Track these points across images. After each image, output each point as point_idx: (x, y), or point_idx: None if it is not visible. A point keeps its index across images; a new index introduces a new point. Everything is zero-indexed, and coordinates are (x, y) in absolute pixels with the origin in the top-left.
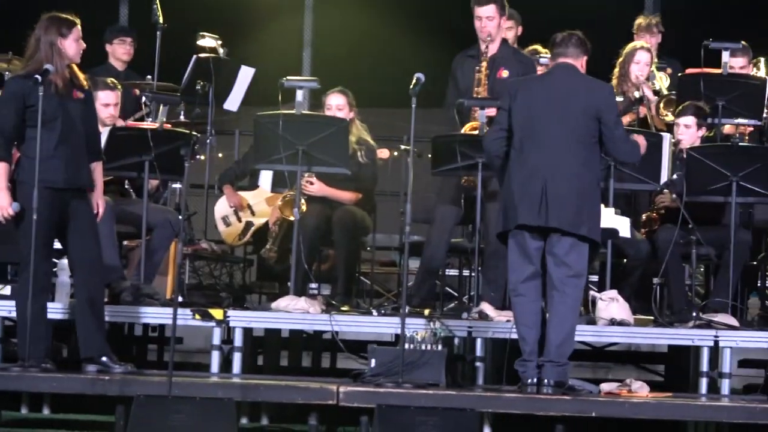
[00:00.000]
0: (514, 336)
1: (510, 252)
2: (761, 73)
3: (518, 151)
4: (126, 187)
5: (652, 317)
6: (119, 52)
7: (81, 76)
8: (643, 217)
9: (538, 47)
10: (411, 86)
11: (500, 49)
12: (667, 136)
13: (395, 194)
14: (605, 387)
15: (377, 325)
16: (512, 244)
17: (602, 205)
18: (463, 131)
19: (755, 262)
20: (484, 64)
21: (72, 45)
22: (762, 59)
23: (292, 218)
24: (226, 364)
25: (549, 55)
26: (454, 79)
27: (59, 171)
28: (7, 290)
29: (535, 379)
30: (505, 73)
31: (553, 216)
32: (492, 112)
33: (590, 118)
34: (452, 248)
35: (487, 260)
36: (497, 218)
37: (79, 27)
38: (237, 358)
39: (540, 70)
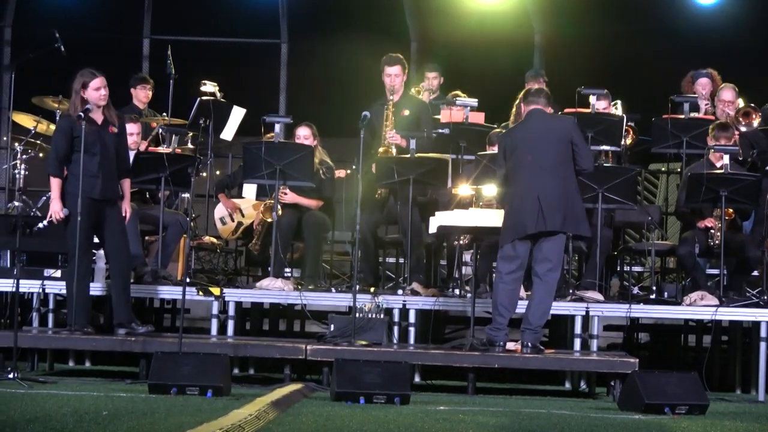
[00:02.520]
0: (438, 308)
1: (504, 251)
2: (618, 112)
3: (513, 180)
4: (147, 196)
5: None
6: (141, 95)
7: (115, 116)
8: None
9: (458, 92)
10: (359, 121)
11: (402, 97)
12: None
13: (349, 202)
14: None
15: (335, 299)
16: (507, 248)
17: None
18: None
19: (616, 253)
20: (391, 105)
21: (92, 93)
22: (618, 101)
23: (270, 220)
24: (222, 329)
25: (473, 101)
26: (370, 122)
27: (98, 186)
28: (58, 273)
29: (502, 343)
30: (406, 112)
31: (549, 222)
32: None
33: (564, 143)
34: (390, 242)
35: (411, 252)
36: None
37: (99, 79)
38: (230, 324)
39: (457, 110)
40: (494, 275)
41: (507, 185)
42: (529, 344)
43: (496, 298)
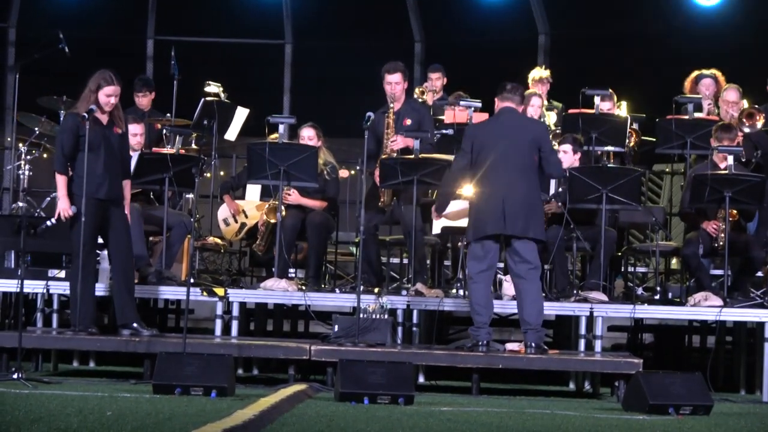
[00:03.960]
0: (442, 308)
1: (473, 251)
2: (623, 112)
3: (480, 177)
4: (151, 196)
5: (543, 294)
6: (142, 102)
7: (122, 117)
8: None
9: (461, 93)
10: (363, 122)
11: (403, 105)
12: None
13: (353, 202)
14: (509, 346)
15: (339, 300)
16: (475, 247)
17: None
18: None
19: (620, 253)
20: (391, 113)
21: (102, 97)
22: (624, 102)
23: (274, 221)
24: (226, 329)
25: (477, 101)
26: (374, 131)
27: (103, 186)
28: (62, 274)
29: (485, 341)
30: (408, 121)
31: (509, 225)
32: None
33: (533, 148)
34: (394, 243)
35: (415, 253)
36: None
37: (113, 88)
38: (234, 325)
39: (460, 110)
40: (466, 276)
41: (470, 180)
42: (533, 344)
43: (471, 298)
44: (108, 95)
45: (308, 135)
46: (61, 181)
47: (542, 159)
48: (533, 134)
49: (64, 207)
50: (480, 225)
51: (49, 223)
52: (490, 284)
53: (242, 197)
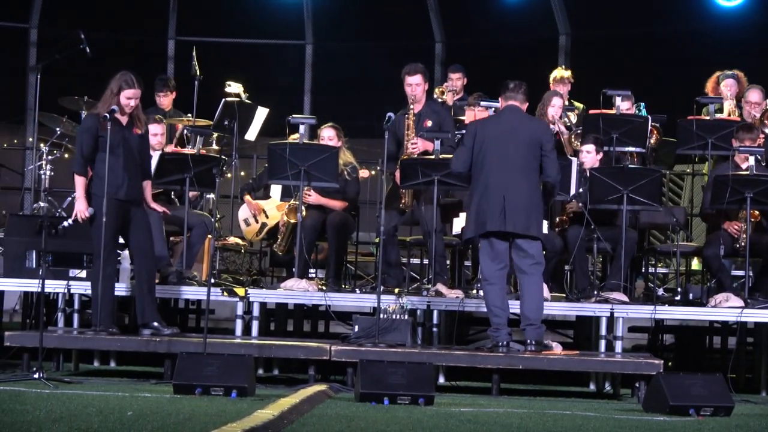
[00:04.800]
0: (462, 309)
1: (482, 251)
2: (641, 113)
3: (479, 173)
4: (172, 197)
5: (564, 294)
6: (163, 102)
7: (142, 119)
8: (557, 220)
9: (481, 93)
10: (384, 122)
11: (424, 106)
12: (574, 160)
13: (372, 203)
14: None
15: (359, 300)
16: (485, 246)
17: None
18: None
19: (640, 254)
20: (411, 115)
21: (122, 99)
22: (642, 104)
23: (295, 221)
24: (246, 329)
25: (497, 102)
26: (395, 133)
27: (123, 187)
28: (83, 274)
29: (505, 342)
30: (429, 123)
31: (510, 222)
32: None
33: (535, 146)
34: (414, 243)
35: (435, 253)
36: (467, 225)
37: (133, 91)
38: (255, 325)
39: (480, 111)
40: (480, 278)
41: (471, 176)
42: (533, 341)
43: (487, 300)
44: (129, 98)
45: (328, 135)
46: (79, 182)
47: (542, 158)
48: (535, 133)
49: (81, 209)
50: (480, 221)
51: (66, 224)
52: (505, 284)
53: (263, 198)
